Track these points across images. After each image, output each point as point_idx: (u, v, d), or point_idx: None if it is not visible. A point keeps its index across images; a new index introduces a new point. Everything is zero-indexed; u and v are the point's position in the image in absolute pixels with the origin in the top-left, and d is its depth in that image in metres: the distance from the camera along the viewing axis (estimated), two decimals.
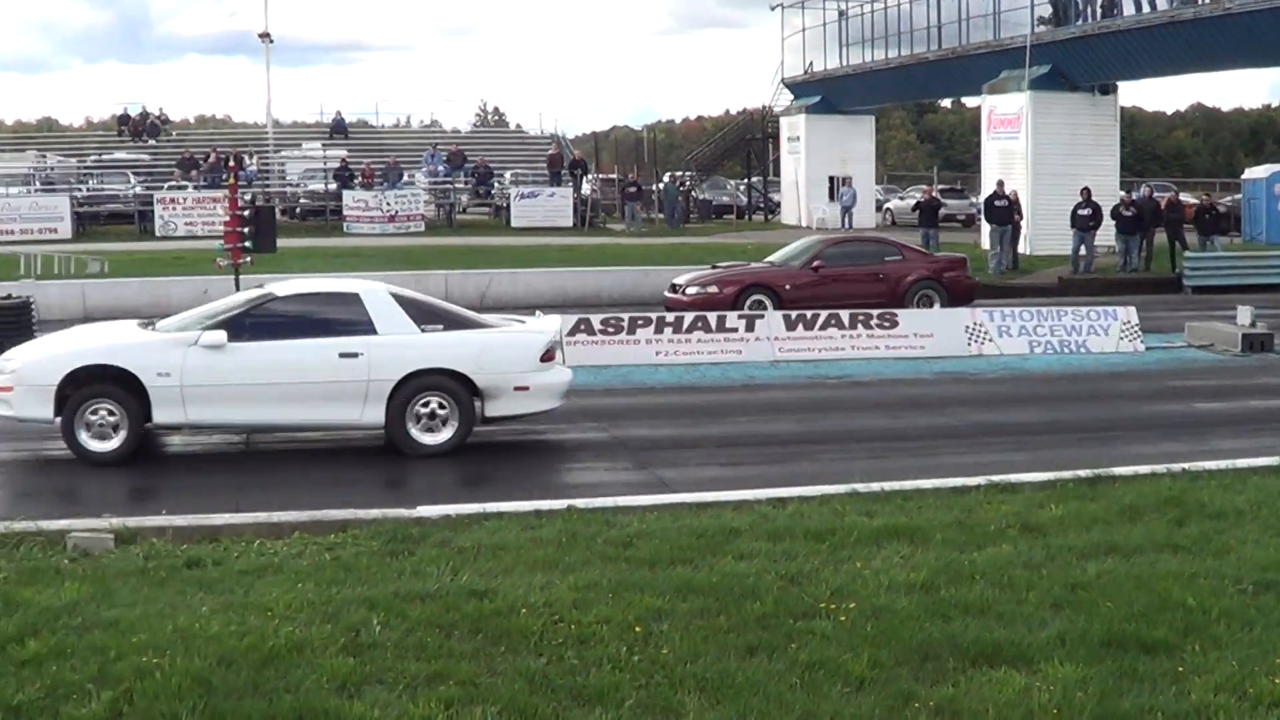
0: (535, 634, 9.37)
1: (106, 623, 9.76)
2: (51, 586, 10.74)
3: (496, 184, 60.90)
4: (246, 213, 23.96)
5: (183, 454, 17.44)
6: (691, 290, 28.51)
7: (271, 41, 67.50)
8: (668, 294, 29.03)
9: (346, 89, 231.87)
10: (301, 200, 59.63)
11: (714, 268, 30.25)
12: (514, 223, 55.93)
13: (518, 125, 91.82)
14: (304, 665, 8.84)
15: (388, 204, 55.02)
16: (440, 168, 60.66)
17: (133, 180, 59.11)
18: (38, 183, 59.37)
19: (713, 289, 28.41)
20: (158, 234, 52.77)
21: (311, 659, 8.94)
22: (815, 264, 29.06)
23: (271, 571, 11.11)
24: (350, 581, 10.69)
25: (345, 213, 55.14)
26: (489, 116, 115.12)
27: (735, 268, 30.18)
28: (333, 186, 57.49)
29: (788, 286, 28.42)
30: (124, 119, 69.97)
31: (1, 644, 9.35)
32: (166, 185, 57.45)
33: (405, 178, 59.12)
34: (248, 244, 23.32)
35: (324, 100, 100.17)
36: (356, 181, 56.92)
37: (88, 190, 58.73)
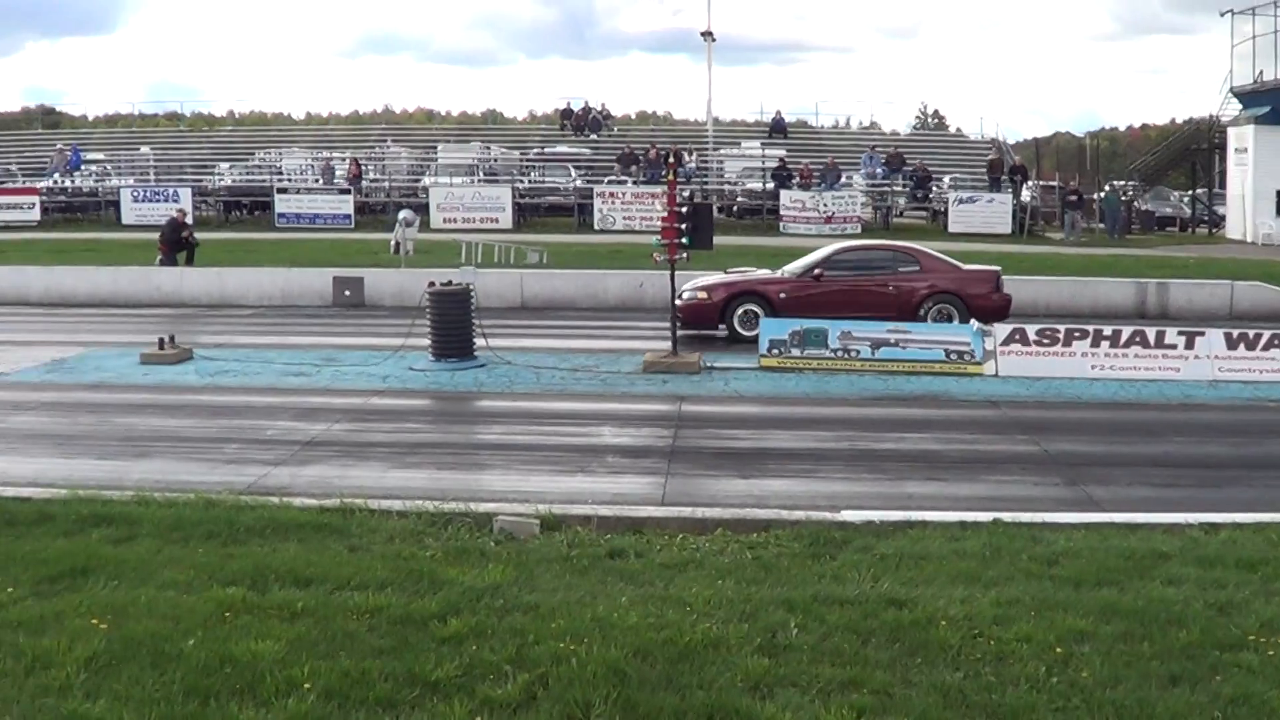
0: (953, 647, 9.27)
1: (527, 606, 10.04)
2: (476, 567, 11.11)
3: (935, 188, 60.40)
4: (685, 209, 24.21)
5: None
6: (686, 295, 27.40)
7: (714, 40, 68.29)
8: (675, 300, 28.11)
9: (786, 89, 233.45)
10: (739, 198, 60.14)
11: (727, 273, 29.00)
12: (951, 228, 55.26)
13: (957, 129, 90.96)
14: (719, 662, 8.93)
15: (825, 205, 55.14)
16: (878, 169, 60.49)
17: (573, 174, 60.64)
18: (481, 174, 61.51)
19: (703, 295, 27.32)
20: (596, 227, 54.08)
21: (727, 657, 9.02)
22: (816, 272, 27.35)
23: (693, 567, 11.25)
24: (770, 582, 10.75)
25: (782, 212, 55.49)
26: (928, 119, 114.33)
27: (736, 274, 28.77)
28: (770, 185, 57.85)
29: (781, 295, 26.90)
30: (566, 113, 71.77)
31: (424, 620, 9.71)
32: (606, 180, 58.74)
33: (843, 179, 59.11)
34: (685, 240, 23.59)
35: (764, 99, 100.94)
36: (794, 181, 57.21)
37: (529, 182, 60.50)
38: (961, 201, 56.48)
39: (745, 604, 10.05)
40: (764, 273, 28.72)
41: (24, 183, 62.51)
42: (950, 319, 26.14)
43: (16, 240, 50.30)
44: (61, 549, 11.70)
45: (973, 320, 24.47)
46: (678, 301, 27.02)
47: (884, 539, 12.24)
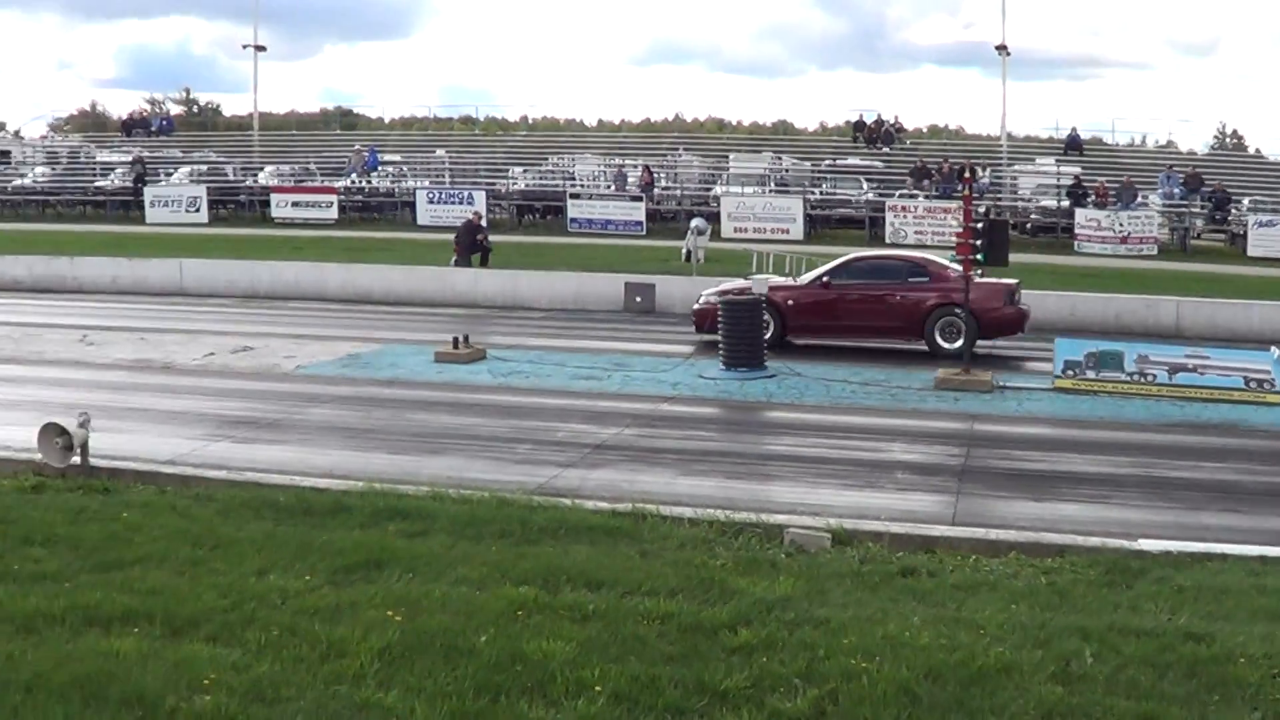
0: (1252, 686, 9.01)
1: (817, 621, 10.02)
2: (766, 578, 11.14)
3: (1234, 210, 58.79)
4: (980, 225, 23.98)
5: None
6: (701, 301, 27.40)
7: (1008, 54, 67.43)
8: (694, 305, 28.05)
9: (1081, 105, 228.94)
10: (1033, 215, 59.13)
11: (747, 279, 28.45)
12: (1250, 251, 53.61)
13: (1256, 150, 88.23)
14: (1011, 688, 8.80)
15: (1120, 224, 53.94)
16: (1175, 190, 59.06)
17: (865, 186, 60.26)
18: (772, 184, 61.42)
19: (714, 299, 26.70)
20: (887, 240, 53.54)
21: (1019, 683, 8.89)
22: (824, 280, 26.81)
23: (985, 589, 11.13)
24: (1064, 608, 10.59)
25: (1077, 231, 54.39)
26: (1227, 139, 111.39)
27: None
28: (1065, 203, 56.85)
29: (789, 302, 26.60)
30: (858, 125, 71.35)
31: (714, 629, 9.76)
32: (898, 193, 58.26)
33: (1139, 199, 57.84)
34: (979, 256, 23.38)
35: (1058, 115, 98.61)
36: (1089, 200, 56.15)
37: (820, 194, 60.25)
38: (1261, 224, 54.79)
39: (1039, 630, 9.89)
40: (776, 280, 28.59)
41: (322, 182, 64.21)
42: (959, 331, 25.32)
43: (315, 237, 51.75)
44: (357, 540, 12.02)
45: (1273, 348, 23.79)
46: (694, 307, 27.26)
47: (1182, 570, 11.96)
